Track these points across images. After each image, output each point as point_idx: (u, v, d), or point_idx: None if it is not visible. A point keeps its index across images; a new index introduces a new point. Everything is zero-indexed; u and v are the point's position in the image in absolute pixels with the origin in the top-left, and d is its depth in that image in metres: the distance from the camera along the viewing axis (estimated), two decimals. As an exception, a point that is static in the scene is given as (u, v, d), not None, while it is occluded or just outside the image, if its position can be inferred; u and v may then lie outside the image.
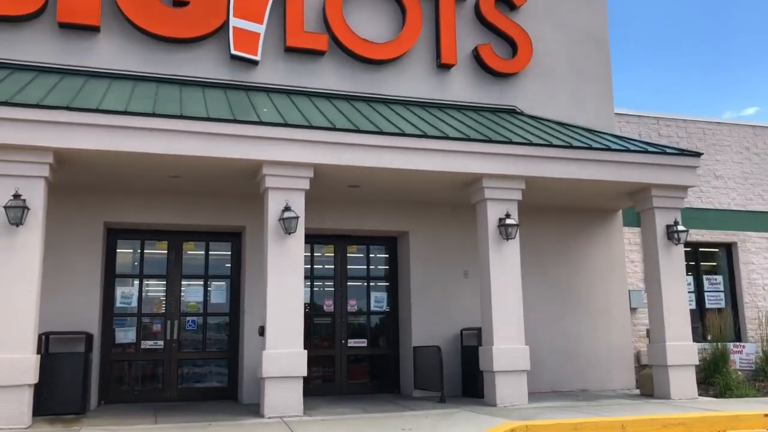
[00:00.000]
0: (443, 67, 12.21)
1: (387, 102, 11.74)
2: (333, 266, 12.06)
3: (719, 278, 14.64)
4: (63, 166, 9.03)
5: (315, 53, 11.50)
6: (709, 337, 13.38)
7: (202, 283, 11.38)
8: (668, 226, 10.97)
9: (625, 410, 9.26)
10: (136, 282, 11.09)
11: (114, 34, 10.69)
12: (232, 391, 11.12)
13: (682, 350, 10.66)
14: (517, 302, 10.13)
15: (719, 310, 14.30)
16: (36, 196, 8.43)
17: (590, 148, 10.63)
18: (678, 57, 45.37)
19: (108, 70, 10.59)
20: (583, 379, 12.16)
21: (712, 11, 44.86)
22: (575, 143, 10.70)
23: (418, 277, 11.77)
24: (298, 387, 9.03)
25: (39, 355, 8.43)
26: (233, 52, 10.99)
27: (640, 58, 44.86)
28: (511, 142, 10.27)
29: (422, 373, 11.07)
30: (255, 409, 9.48)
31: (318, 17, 11.58)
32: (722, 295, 14.60)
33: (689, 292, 11.30)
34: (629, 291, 13.02)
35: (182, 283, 11.26)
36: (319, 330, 11.82)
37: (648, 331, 11.37)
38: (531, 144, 10.35)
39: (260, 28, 11.15)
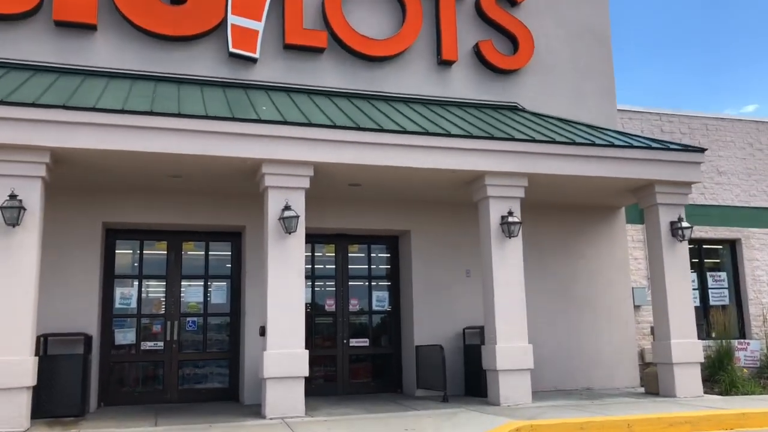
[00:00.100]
0: (444, 63, 12.10)
1: (387, 99, 11.64)
2: (334, 266, 11.95)
3: (723, 275, 14.53)
4: (60, 165, 8.92)
5: (314, 50, 11.40)
6: (713, 335, 13.30)
7: (202, 283, 11.28)
8: (672, 223, 10.86)
9: (630, 409, 9.15)
10: (136, 283, 10.98)
11: (111, 32, 10.58)
12: (233, 392, 11.02)
13: (687, 348, 10.55)
14: (520, 300, 10.03)
15: (723, 307, 14.20)
16: (33, 197, 8.32)
17: (593, 144, 10.52)
18: (677, 56, 45.28)
19: (105, 68, 10.48)
20: (587, 377, 12.06)
21: (711, 11, 44.78)
22: (578, 140, 10.59)
23: (420, 276, 11.67)
24: (300, 387, 8.93)
25: (37, 357, 8.32)
26: (232, 50, 10.89)
27: (640, 58, 44.77)
28: (513, 139, 10.16)
29: (425, 372, 10.97)
30: (256, 410, 9.38)
31: (317, 14, 11.48)
32: (726, 292, 14.48)
33: (693, 289, 11.20)
34: (633, 288, 12.91)
35: (182, 283, 11.17)
36: (320, 330, 11.72)
37: (652, 328, 11.28)
38: (533, 141, 10.24)
39: (259, 26, 11.05)
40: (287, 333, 9.01)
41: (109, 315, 10.69)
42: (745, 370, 12.10)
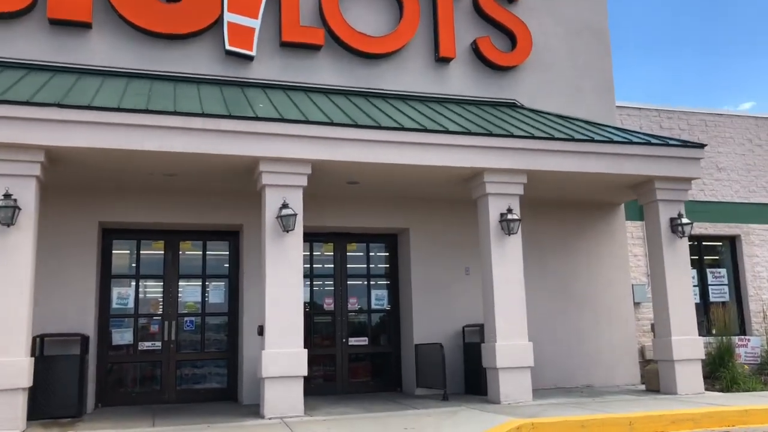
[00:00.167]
0: (442, 60, 12.03)
1: (385, 97, 11.57)
2: (333, 264, 11.88)
3: (723, 271, 14.47)
4: (55, 164, 8.84)
5: (311, 48, 11.32)
6: (713, 331, 13.24)
7: (199, 282, 11.21)
8: (672, 219, 10.81)
9: (631, 406, 9.09)
10: (133, 282, 10.90)
11: (106, 30, 10.50)
12: (232, 392, 10.95)
13: (688, 344, 10.50)
14: (519, 298, 9.97)
15: (723, 303, 14.13)
16: (28, 196, 8.24)
17: (592, 140, 10.46)
18: (674, 55, 45.28)
19: (100, 67, 10.40)
20: (587, 375, 12.00)
21: (707, 9, 44.77)
22: (577, 136, 10.53)
23: (419, 274, 11.60)
24: (299, 387, 8.86)
25: (33, 358, 8.25)
26: (228, 47, 10.81)
27: (636, 57, 44.75)
28: (512, 136, 10.10)
29: (424, 371, 10.90)
30: (255, 410, 9.31)
31: (314, 11, 11.40)
32: (726, 288, 14.43)
33: (693, 286, 11.15)
34: (633, 285, 12.85)
35: (180, 283, 11.09)
36: (319, 329, 11.65)
37: (653, 325, 11.21)
38: (533, 137, 10.18)
39: (255, 23, 10.97)
40: (286, 332, 8.93)
41: (106, 315, 10.61)
42: (746, 366, 12.04)
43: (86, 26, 10.37)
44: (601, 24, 13.33)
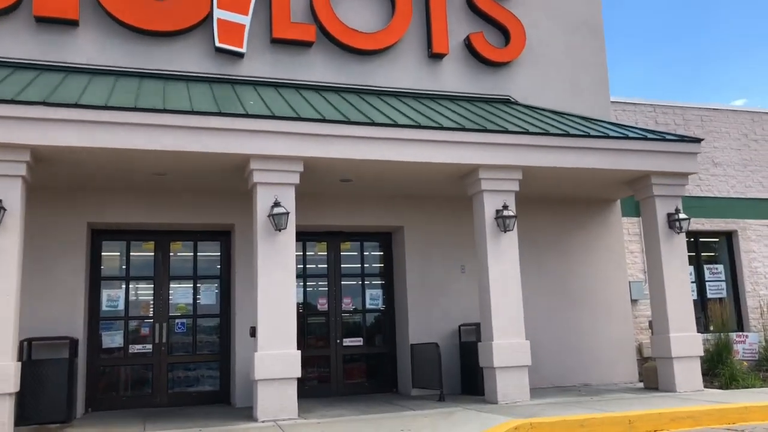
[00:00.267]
0: (435, 56, 11.89)
1: (378, 93, 11.42)
2: (326, 264, 11.72)
3: (720, 267, 14.38)
4: (42, 164, 8.66)
5: (303, 44, 11.17)
6: (711, 328, 13.15)
7: (191, 284, 11.03)
8: (669, 215, 10.69)
9: (631, 404, 8.96)
10: (123, 284, 10.72)
11: (93, 28, 10.32)
12: (225, 394, 10.77)
13: (687, 341, 10.39)
14: (516, 296, 9.83)
15: (720, 299, 14.05)
16: (13, 196, 8.06)
17: (588, 136, 10.33)
18: (665, 52, 45.30)
19: (88, 65, 10.22)
20: (584, 373, 11.87)
21: (697, 7, 44.83)
22: (573, 131, 10.40)
23: (414, 272, 11.45)
24: (293, 389, 8.70)
25: (20, 363, 8.07)
26: (218, 44, 10.65)
27: (627, 54, 44.75)
28: (507, 131, 9.96)
29: (420, 371, 10.75)
30: (248, 413, 9.14)
31: (305, 7, 11.24)
32: (723, 284, 14.34)
33: (690, 282, 11.03)
34: (630, 282, 12.74)
35: (170, 284, 10.92)
36: (313, 329, 11.49)
37: (650, 322, 11.10)
38: (527, 133, 10.04)
39: (245, 20, 10.80)
40: (279, 333, 8.77)
41: (95, 318, 10.43)
42: (744, 363, 11.95)
43: (73, 24, 10.19)
44: (596, 19, 13.21)
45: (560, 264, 12.14)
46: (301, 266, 11.42)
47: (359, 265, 11.94)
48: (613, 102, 13.35)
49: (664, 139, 10.71)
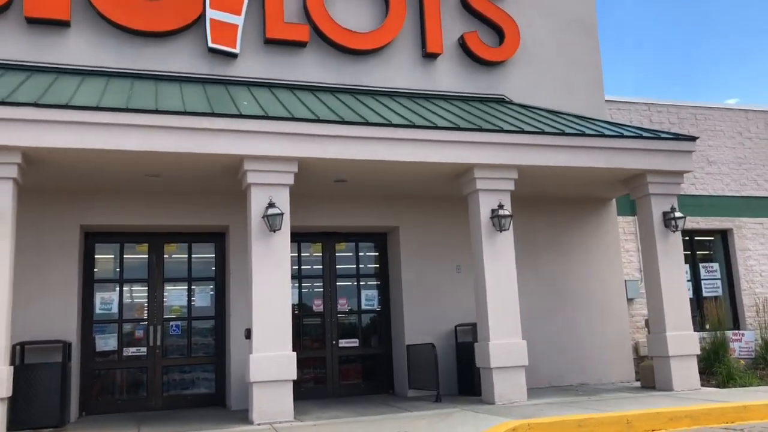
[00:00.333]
0: (429, 56, 11.84)
1: (373, 93, 11.36)
2: (321, 265, 11.65)
3: (716, 266, 14.36)
4: (33, 166, 8.58)
5: (296, 45, 11.10)
6: (707, 326, 13.12)
7: (185, 286, 10.96)
8: (665, 213, 10.67)
9: (628, 404, 8.92)
10: (117, 287, 10.63)
11: (85, 28, 10.23)
12: (220, 397, 10.70)
13: (684, 340, 10.36)
14: (512, 295, 9.79)
15: (716, 298, 14.04)
16: (4, 199, 7.98)
17: (584, 134, 10.30)
18: (658, 53, 45.39)
19: (80, 66, 10.14)
20: (581, 372, 11.84)
21: (691, 7, 44.92)
22: (568, 130, 10.37)
23: (409, 273, 11.39)
24: (288, 391, 8.63)
25: (13, 367, 7.98)
26: (211, 45, 10.58)
27: (620, 53, 44.80)
28: (502, 131, 9.92)
29: (417, 372, 10.70)
30: (244, 416, 9.07)
31: (298, 7, 11.18)
32: (719, 283, 14.32)
33: (686, 280, 11.03)
34: (625, 281, 12.71)
35: (165, 286, 10.83)
36: (308, 331, 11.42)
37: (647, 321, 11.07)
38: (523, 132, 10.00)
39: (239, 20, 10.74)
40: (274, 335, 8.70)
41: (89, 321, 10.34)
42: (741, 361, 11.93)
43: (64, 24, 10.10)
44: (590, 17, 13.18)
45: (556, 263, 12.11)
46: (296, 267, 11.35)
47: (354, 266, 11.88)
48: (607, 101, 13.33)
49: (659, 138, 10.69)
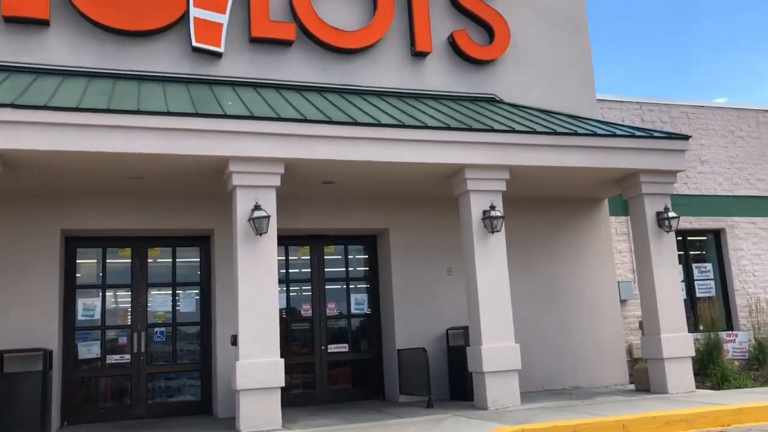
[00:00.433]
0: (418, 55, 11.65)
1: (361, 93, 11.15)
2: (309, 268, 11.42)
3: (709, 266, 14.23)
4: (11, 169, 8.33)
5: (282, 43, 10.88)
6: (701, 327, 13.01)
7: (170, 291, 10.70)
8: (658, 213, 10.52)
9: (623, 408, 8.76)
10: (99, 293, 10.36)
11: (65, 28, 9.97)
12: (207, 404, 10.45)
13: (678, 342, 10.21)
14: (505, 298, 9.60)
15: (709, 298, 13.91)
16: (-20, 203, 7.72)
17: (575, 134, 10.13)
18: (648, 52, 45.46)
19: (60, 66, 9.88)
20: (574, 375, 11.67)
21: (677, 6, 45.03)
22: (560, 129, 10.20)
23: (399, 276, 11.19)
24: (276, 398, 8.40)
25: (-11, 377, 7.73)
26: (195, 44, 10.34)
27: (608, 53, 44.83)
28: (493, 130, 9.74)
29: (408, 376, 10.49)
30: (231, 424, 8.84)
31: (284, 5, 10.96)
32: (712, 283, 14.18)
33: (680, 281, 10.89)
34: (618, 282, 12.56)
35: (149, 292, 10.58)
36: (297, 336, 11.19)
37: (640, 323, 10.92)
38: (514, 131, 9.83)
39: (223, 18, 10.51)
40: (261, 341, 8.47)
41: (71, 328, 10.07)
42: (735, 362, 11.80)
43: (44, 24, 9.84)
44: (580, 16, 13.04)
45: (548, 265, 11.94)
46: (284, 271, 11.11)
47: (344, 269, 11.66)
48: (599, 100, 13.18)
49: (652, 137, 10.55)
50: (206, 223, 10.35)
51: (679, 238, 13.65)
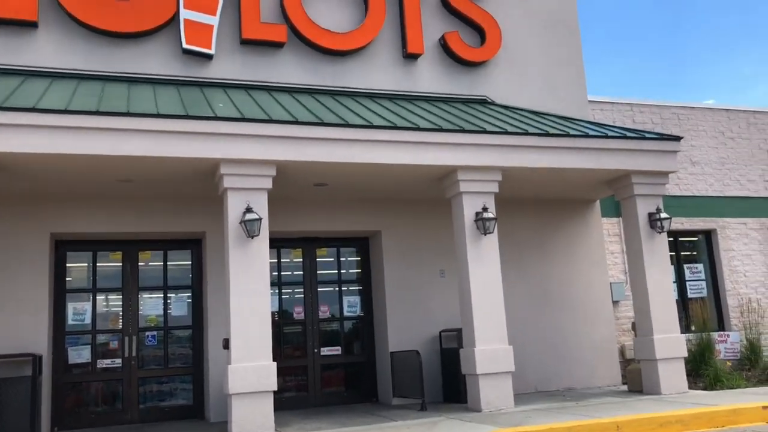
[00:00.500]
0: (410, 57, 11.62)
1: (353, 95, 11.11)
2: (302, 271, 11.37)
3: (700, 267, 14.26)
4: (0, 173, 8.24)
5: (273, 45, 10.83)
6: (693, 327, 13.03)
7: (161, 294, 10.62)
8: (650, 214, 10.53)
9: (617, 409, 8.75)
10: (90, 297, 10.26)
11: (54, 29, 9.88)
12: (199, 409, 10.37)
13: (671, 343, 10.21)
14: (498, 300, 9.58)
15: (701, 299, 13.94)
16: (-32, 207, 7.63)
17: (568, 135, 10.13)
18: (638, 53, 45.63)
19: (48, 68, 9.78)
20: (567, 377, 11.65)
21: (666, 8, 45.24)
22: (552, 131, 10.19)
23: (392, 278, 11.14)
24: (268, 402, 8.33)
25: (-22, 383, 7.63)
26: (185, 46, 10.27)
27: (601, 54, 44.99)
28: (485, 132, 9.72)
29: (401, 379, 10.45)
30: (223, 428, 8.77)
31: (275, 7, 10.91)
32: (704, 283, 14.22)
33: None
34: (610, 283, 12.56)
35: (140, 295, 10.49)
36: (289, 339, 11.13)
37: (633, 324, 10.92)
38: (506, 133, 9.81)
39: (214, 20, 10.44)
40: (253, 344, 8.41)
41: (61, 333, 9.97)
42: (728, 363, 11.82)
43: (32, 25, 9.75)
44: (571, 17, 13.05)
45: (541, 266, 11.92)
46: (276, 274, 11.05)
47: (336, 272, 11.61)
48: (590, 101, 13.18)
49: (644, 138, 10.55)
50: (197, 226, 10.28)
51: (671, 239, 13.66)
